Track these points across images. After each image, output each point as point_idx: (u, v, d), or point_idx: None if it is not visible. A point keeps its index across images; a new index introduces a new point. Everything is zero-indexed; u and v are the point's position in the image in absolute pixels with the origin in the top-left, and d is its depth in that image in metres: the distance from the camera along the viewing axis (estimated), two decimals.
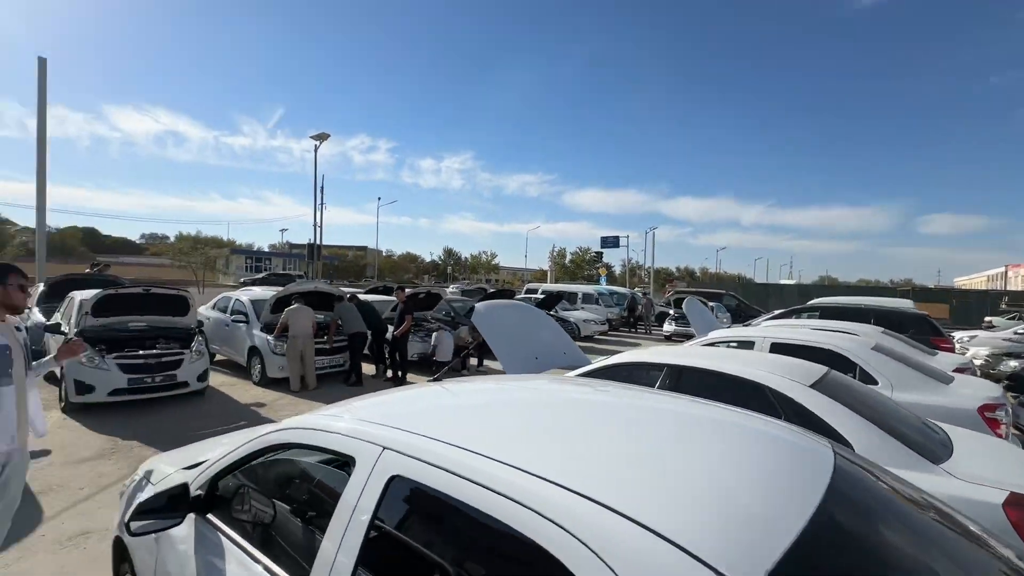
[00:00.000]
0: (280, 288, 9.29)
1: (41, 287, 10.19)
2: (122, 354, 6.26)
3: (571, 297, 17.66)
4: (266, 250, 56.51)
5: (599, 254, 44.92)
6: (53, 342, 7.02)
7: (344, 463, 1.60)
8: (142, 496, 2.28)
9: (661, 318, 21.94)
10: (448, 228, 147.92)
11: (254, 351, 8.08)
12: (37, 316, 9.20)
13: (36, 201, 14.76)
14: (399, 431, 1.40)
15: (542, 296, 15.85)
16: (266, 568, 1.53)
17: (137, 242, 66.88)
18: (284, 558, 1.57)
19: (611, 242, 44.90)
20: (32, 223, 14.93)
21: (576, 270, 61.04)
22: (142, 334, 6.92)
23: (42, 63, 14.83)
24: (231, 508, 1.82)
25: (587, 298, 18.71)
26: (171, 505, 1.72)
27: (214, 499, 1.85)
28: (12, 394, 2.54)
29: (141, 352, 6.41)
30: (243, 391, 7.59)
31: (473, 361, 9.97)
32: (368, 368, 8.90)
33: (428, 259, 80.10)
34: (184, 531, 1.80)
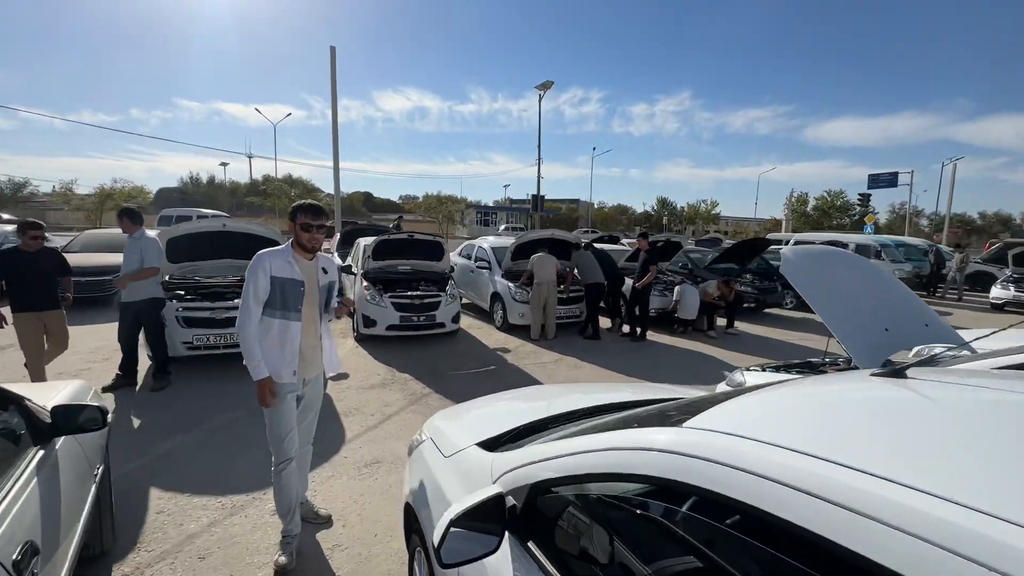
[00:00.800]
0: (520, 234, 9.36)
1: (338, 236, 12.58)
2: (395, 294, 6.96)
3: None
4: (491, 205, 62.05)
5: (865, 196, 35.43)
6: (347, 281, 8.33)
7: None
8: (427, 457, 1.96)
9: (974, 279, 16.09)
10: (661, 176, 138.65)
11: (496, 297, 8.30)
12: (336, 259, 11.39)
13: (333, 171, 18.46)
14: None
15: None
16: None
17: (397, 201, 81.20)
18: None
19: (885, 180, 34.95)
20: (329, 188, 18.66)
21: (822, 218, 49.82)
22: (408, 276, 7.64)
23: (332, 51, 17.91)
24: (555, 535, 1.22)
25: (862, 251, 14.63)
26: (485, 519, 1.20)
27: (531, 515, 1.29)
28: (299, 330, 2.50)
29: (409, 293, 7.04)
30: (487, 335, 7.87)
31: (722, 322, 8.53)
32: (603, 322, 8.36)
33: (640, 210, 76.67)
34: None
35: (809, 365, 3.74)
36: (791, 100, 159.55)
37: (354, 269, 7.84)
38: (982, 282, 16.35)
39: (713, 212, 69.70)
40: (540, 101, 21.27)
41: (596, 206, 73.22)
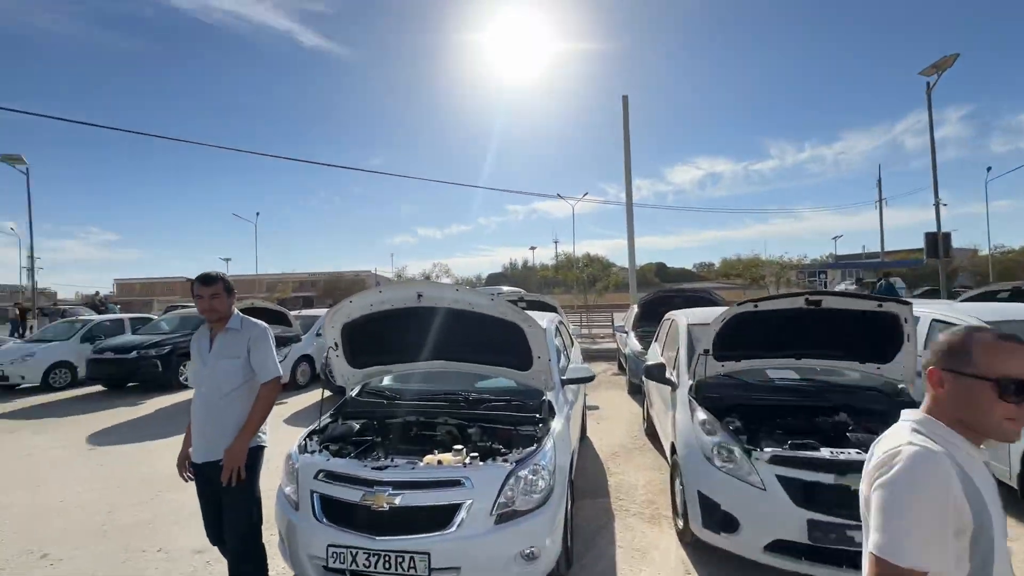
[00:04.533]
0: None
1: (635, 308, 9.19)
2: (782, 452, 2.72)
3: None
4: (807, 260, 48.96)
5: None
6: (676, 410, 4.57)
7: None
8: None
9: None
10: None
11: None
12: (634, 342, 7.88)
13: (627, 243, 16.06)
14: None
15: None
16: None
17: (691, 269, 75.83)
18: None
19: None
20: (625, 263, 16.50)
21: None
22: (797, 402, 3.31)
23: (625, 100, 15.91)
24: None
25: None
26: None
27: None
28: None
29: (824, 454, 2.68)
30: None
31: None
32: None
33: None
34: None
35: None
36: None
37: (670, 374, 3.97)
38: None
39: None
40: (929, 91, 13.89)
41: (992, 249, 49.77)
